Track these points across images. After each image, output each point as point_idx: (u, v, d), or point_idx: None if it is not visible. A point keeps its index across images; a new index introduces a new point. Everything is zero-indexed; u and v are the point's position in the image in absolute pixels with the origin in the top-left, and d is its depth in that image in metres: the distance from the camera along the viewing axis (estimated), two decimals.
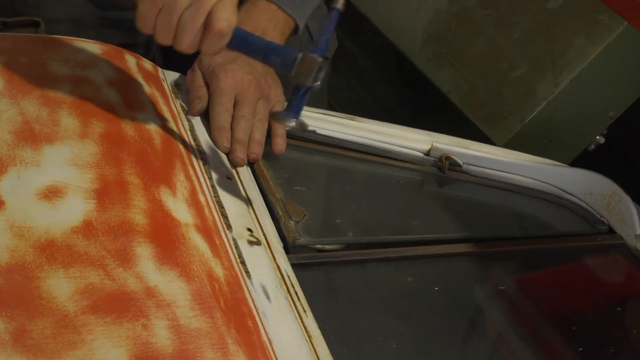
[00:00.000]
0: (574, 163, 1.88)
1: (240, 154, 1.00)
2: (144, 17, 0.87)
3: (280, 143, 1.06)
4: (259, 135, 1.04)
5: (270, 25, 1.12)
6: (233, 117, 1.04)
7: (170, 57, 1.37)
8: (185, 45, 0.87)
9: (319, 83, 0.91)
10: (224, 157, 1.00)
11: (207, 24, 0.86)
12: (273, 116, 0.99)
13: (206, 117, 1.05)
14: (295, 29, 1.16)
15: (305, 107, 0.98)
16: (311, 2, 1.18)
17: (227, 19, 0.87)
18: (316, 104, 1.45)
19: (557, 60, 1.83)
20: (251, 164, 1.04)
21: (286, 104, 0.94)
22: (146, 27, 0.88)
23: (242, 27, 1.09)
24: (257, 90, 1.05)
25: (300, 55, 0.90)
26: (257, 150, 1.03)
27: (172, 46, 0.88)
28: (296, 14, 1.14)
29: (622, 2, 1.69)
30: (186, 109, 1.05)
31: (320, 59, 0.90)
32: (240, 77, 1.04)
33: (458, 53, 1.97)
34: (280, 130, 1.06)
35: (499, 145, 1.75)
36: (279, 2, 1.12)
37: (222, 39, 0.88)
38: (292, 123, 0.91)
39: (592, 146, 1.95)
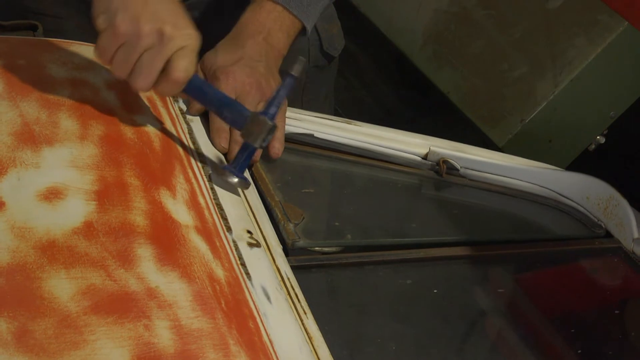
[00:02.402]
0: (574, 163, 1.88)
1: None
2: (103, 49, 0.88)
3: (277, 147, 1.06)
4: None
5: (276, 27, 1.11)
6: None
7: None
8: (139, 85, 0.88)
9: (265, 144, 0.92)
10: (223, 159, 1.00)
11: (164, 70, 0.88)
12: (216, 170, 0.97)
13: (206, 118, 1.05)
14: (303, 31, 1.16)
15: (304, 111, 0.98)
16: (319, 3, 1.17)
17: (185, 69, 0.88)
18: (322, 105, 1.46)
19: (557, 60, 1.83)
20: (249, 166, 1.04)
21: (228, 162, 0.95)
22: (104, 59, 0.89)
23: (248, 27, 1.10)
24: (258, 92, 1.05)
25: (250, 115, 0.91)
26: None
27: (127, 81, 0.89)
28: (303, 15, 1.13)
29: (622, 2, 1.70)
30: (185, 110, 1.05)
31: (270, 123, 0.91)
32: (241, 79, 1.04)
33: (458, 53, 1.98)
34: (278, 134, 1.06)
35: (499, 145, 1.75)
36: (285, 3, 1.12)
37: (177, 87, 0.90)
38: (234, 180, 0.92)
39: (592, 146, 1.95)
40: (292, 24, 1.13)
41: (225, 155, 1.01)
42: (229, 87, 1.03)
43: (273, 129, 0.92)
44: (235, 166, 0.93)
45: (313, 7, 1.15)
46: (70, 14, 1.26)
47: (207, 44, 1.08)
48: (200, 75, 1.07)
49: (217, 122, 1.02)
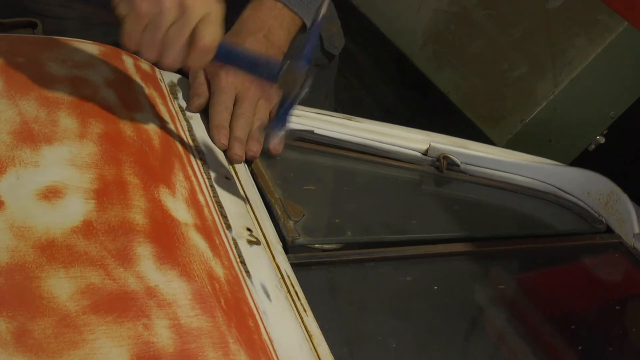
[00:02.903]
0: (574, 163, 1.88)
1: (237, 150, 1.00)
2: (128, 34, 0.87)
3: (277, 142, 1.06)
4: (258, 134, 1.04)
5: (276, 24, 1.12)
6: (232, 115, 1.04)
7: None
8: (170, 61, 0.88)
9: (306, 90, 0.91)
10: (222, 157, 1.00)
11: (191, 40, 0.87)
12: (262, 128, 0.99)
13: (206, 115, 1.05)
14: (303, 27, 1.16)
15: (304, 107, 0.98)
16: (318, 0, 1.17)
17: (211, 34, 0.87)
18: (322, 105, 1.45)
19: (557, 60, 1.83)
20: (249, 163, 1.04)
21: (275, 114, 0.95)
22: (131, 44, 0.88)
23: (248, 24, 1.10)
24: (259, 89, 1.05)
25: (285, 65, 0.91)
26: (255, 147, 1.03)
27: (157, 63, 0.89)
28: (303, 12, 1.14)
29: (622, 2, 1.70)
30: (184, 108, 1.05)
31: (304, 68, 0.90)
32: (242, 75, 1.04)
33: (458, 53, 1.98)
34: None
35: (499, 145, 1.75)
36: (285, 0, 1.12)
37: (207, 55, 0.88)
38: (281, 132, 0.92)
39: (592, 146, 1.95)
40: (292, 21, 1.13)
41: (224, 152, 1.01)
42: (229, 82, 1.03)
43: (309, 74, 0.91)
44: (278, 119, 0.92)
45: (313, 4, 1.15)
46: (69, 15, 1.26)
47: None
48: (202, 71, 1.07)
49: (217, 119, 1.02)
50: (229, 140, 1.01)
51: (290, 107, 0.92)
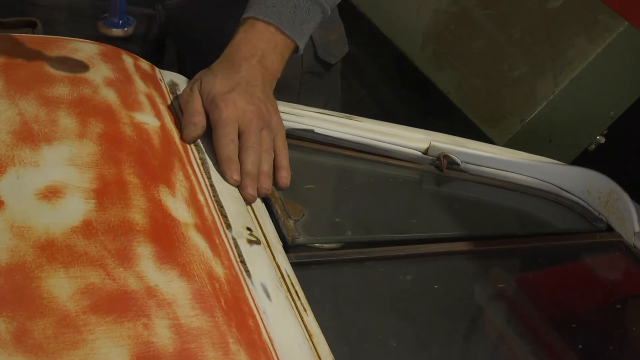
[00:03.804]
0: (574, 163, 1.88)
1: (251, 190, 0.96)
2: None
3: (284, 176, 1.03)
4: (267, 167, 1.01)
5: (269, 48, 1.09)
6: (240, 148, 1.00)
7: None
8: None
9: None
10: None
11: None
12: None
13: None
14: (296, 50, 1.15)
15: (304, 107, 0.97)
16: (311, 22, 1.16)
17: None
18: (333, 103, 1.45)
19: (557, 60, 1.83)
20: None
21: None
22: None
23: (241, 49, 1.09)
24: (260, 119, 1.02)
25: None
26: (267, 184, 0.99)
27: None
28: (295, 35, 1.12)
29: (622, 2, 1.70)
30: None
31: None
32: (242, 107, 1.01)
33: (458, 53, 1.98)
34: (284, 163, 1.03)
35: (499, 145, 1.75)
36: (277, 23, 1.10)
37: None
38: (119, 29, 0.93)
39: (592, 146, 1.95)
40: (285, 44, 1.11)
41: (237, 187, 0.98)
42: (230, 114, 0.99)
43: None
44: (113, 17, 0.94)
45: (305, 26, 1.14)
46: (59, 4, 1.26)
47: (206, 38, 1.07)
48: (198, 99, 1.03)
49: (225, 152, 0.98)
50: (241, 178, 0.97)
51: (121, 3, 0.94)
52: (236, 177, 0.97)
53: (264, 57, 1.08)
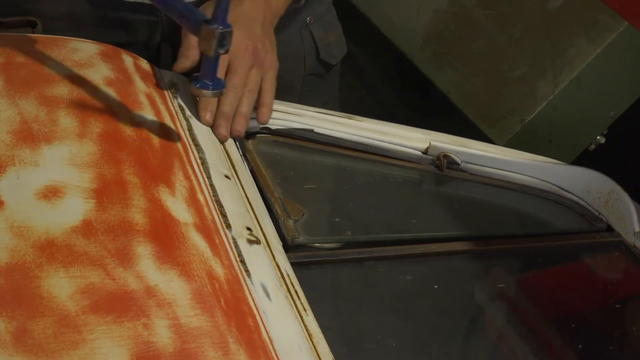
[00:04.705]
0: (574, 163, 1.88)
1: (223, 130, 0.98)
2: None
3: (265, 113, 1.03)
4: (246, 108, 1.01)
5: None
6: None
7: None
8: None
9: (224, 50, 0.89)
10: (222, 156, 1.00)
11: None
12: (192, 88, 0.95)
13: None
14: None
15: (304, 106, 0.97)
16: None
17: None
18: (332, 103, 1.45)
19: (557, 60, 1.83)
20: (247, 160, 1.03)
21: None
22: None
23: None
24: (252, 56, 1.02)
25: (202, 23, 0.89)
26: (241, 125, 1.01)
27: None
28: None
29: (622, 2, 1.70)
30: (184, 106, 1.05)
31: (217, 30, 0.88)
32: (236, 41, 0.98)
33: (458, 53, 1.98)
34: (267, 100, 1.03)
35: (499, 145, 1.75)
36: None
37: None
38: (209, 91, 0.93)
39: (592, 146, 1.96)
40: None
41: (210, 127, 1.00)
42: None
43: (226, 35, 0.89)
44: (204, 78, 0.93)
45: None
46: (59, 14, 1.26)
47: None
48: (185, 35, 1.04)
49: (205, 101, 1.00)
50: (215, 117, 0.99)
51: (214, 65, 0.92)
52: (209, 118, 0.98)
53: None
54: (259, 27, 1.04)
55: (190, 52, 1.03)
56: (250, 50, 1.01)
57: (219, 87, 0.93)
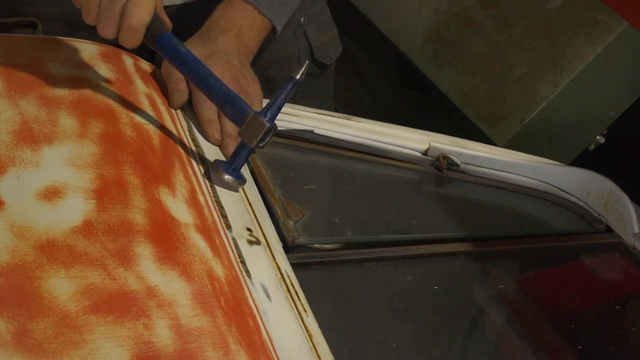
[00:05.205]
0: (574, 163, 1.88)
1: (231, 148, 0.99)
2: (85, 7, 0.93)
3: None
4: None
5: (247, 25, 1.11)
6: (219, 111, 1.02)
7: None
8: (105, 32, 0.93)
9: (262, 145, 0.92)
10: (222, 156, 1.00)
11: (121, 17, 0.91)
12: (213, 165, 0.96)
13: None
14: (273, 31, 1.16)
15: (304, 107, 0.97)
16: (290, 4, 1.17)
17: (137, 15, 0.90)
18: (328, 103, 1.45)
19: (557, 60, 1.83)
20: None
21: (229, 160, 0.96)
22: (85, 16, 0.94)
23: (218, 24, 1.10)
24: (236, 85, 1.03)
25: (251, 114, 0.91)
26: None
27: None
28: (273, 15, 1.14)
29: (622, 2, 1.70)
30: (184, 107, 1.05)
31: (267, 125, 0.91)
32: (218, 72, 1.00)
33: (458, 53, 1.98)
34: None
35: (499, 145, 1.75)
36: (256, 2, 1.12)
37: (133, 34, 0.92)
38: (228, 176, 0.92)
39: (592, 146, 1.95)
40: (262, 24, 1.14)
41: (218, 147, 1.01)
42: None
43: (271, 131, 0.92)
44: (231, 164, 0.93)
45: (283, 8, 1.15)
46: (58, 14, 1.26)
47: None
48: (170, 71, 1.05)
49: (206, 114, 1.01)
50: (222, 137, 1.01)
51: (247, 155, 0.94)
52: (217, 136, 1.01)
53: (240, 33, 1.10)
54: (236, 60, 1.07)
55: (181, 85, 1.04)
56: (232, 80, 1.03)
57: (240, 178, 0.94)
